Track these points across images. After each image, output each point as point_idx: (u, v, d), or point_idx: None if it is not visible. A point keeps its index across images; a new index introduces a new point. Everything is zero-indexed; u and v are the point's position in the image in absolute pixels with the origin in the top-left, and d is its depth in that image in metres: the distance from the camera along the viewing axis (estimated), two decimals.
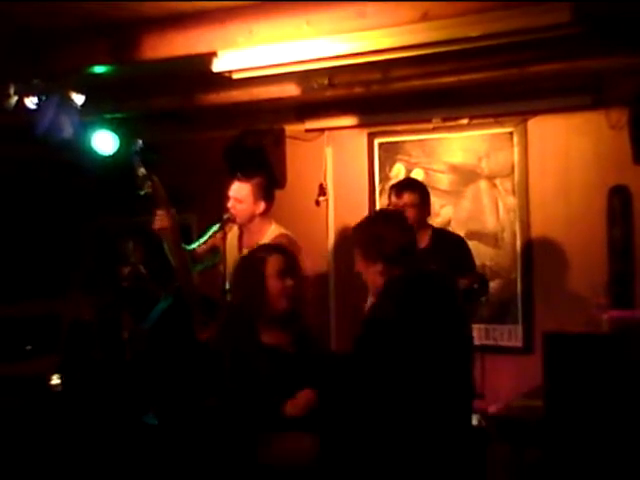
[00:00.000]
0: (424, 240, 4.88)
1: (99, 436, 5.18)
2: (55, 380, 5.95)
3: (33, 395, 5.81)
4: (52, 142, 5.11)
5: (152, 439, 4.75)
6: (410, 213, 4.78)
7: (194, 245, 5.03)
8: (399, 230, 3.26)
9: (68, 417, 5.48)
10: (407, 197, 4.83)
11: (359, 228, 3.36)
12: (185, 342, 4.62)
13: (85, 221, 7.49)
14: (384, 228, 3.24)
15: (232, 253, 4.81)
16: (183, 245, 4.86)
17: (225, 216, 4.78)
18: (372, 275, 3.25)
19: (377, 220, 3.45)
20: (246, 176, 4.84)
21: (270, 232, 4.81)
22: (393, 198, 4.90)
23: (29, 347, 6.68)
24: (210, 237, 4.95)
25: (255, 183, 4.81)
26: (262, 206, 4.80)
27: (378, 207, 6.31)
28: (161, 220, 4.66)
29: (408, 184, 5.00)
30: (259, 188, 4.80)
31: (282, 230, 4.86)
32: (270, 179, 5.08)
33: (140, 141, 4.86)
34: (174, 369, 4.64)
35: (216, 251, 4.87)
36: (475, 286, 4.46)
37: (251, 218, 4.81)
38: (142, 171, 4.77)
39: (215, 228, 4.83)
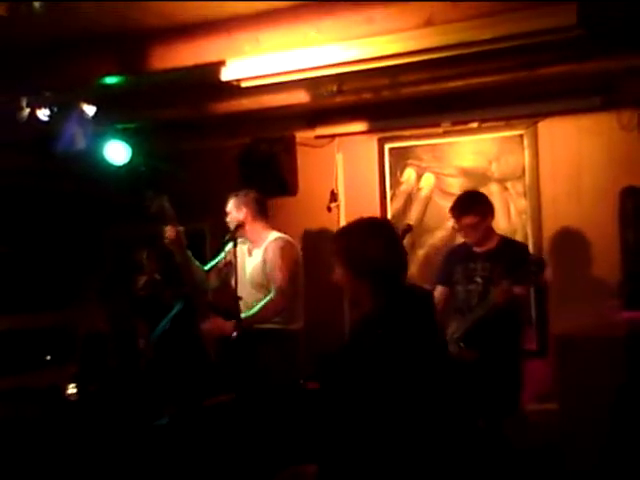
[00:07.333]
0: (491, 243, 4.99)
1: (114, 446, 5.20)
2: (71, 390, 5.97)
3: (49, 405, 5.84)
4: (67, 154, 5.18)
5: (165, 444, 4.80)
6: (472, 233, 4.95)
7: (212, 263, 5.29)
8: (385, 248, 2.90)
9: (84, 427, 5.50)
10: (465, 220, 4.92)
11: (343, 238, 3.00)
12: (193, 345, 4.77)
13: (100, 232, 7.52)
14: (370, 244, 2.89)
15: (244, 260, 5.10)
16: (197, 263, 5.21)
17: (235, 225, 5.06)
18: (356, 290, 2.98)
19: (363, 233, 2.98)
20: (235, 193, 5.23)
21: (270, 237, 5.08)
22: (454, 222, 5.04)
23: (49, 357, 6.72)
24: (226, 253, 5.23)
25: (237, 195, 5.18)
26: (244, 212, 5.10)
27: (389, 213, 6.34)
28: (169, 234, 5.03)
29: (463, 208, 5.01)
30: (239, 199, 5.15)
31: (280, 235, 5.11)
32: (258, 193, 5.27)
33: (148, 166, 5.08)
34: (184, 372, 4.78)
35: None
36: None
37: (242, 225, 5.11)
38: (150, 193, 5.13)
39: (230, 244, 5.05)
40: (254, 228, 5.11)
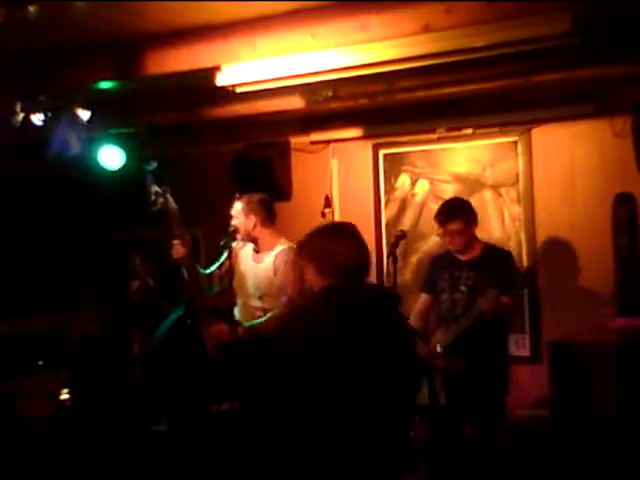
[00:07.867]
0: (475, 252, 5.01)
1: (108, 451, 5.19)
2: (64, 395, 5.96)
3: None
4: (60, 159, 5.17)
5: (162, 450, 4.79)
6: (458, 239, 4.94)
7: (213, 268, 5.15)
8: (352, 246, 3.11)
9: (77, 433, 5.49)
10: (451, 226, 4.92)
11: (312, 241, 3.19)
12: (197, 351, 4.74)
13: (93, 236, 7.52)
14: (337, 244, 3.09)
15: (248, 267, 5.01)
16: (199, 268, 5.05)
17: (231, 229, 4.96)
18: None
19: (329, 235, 3.20)
20: (241, 194, 5.08)
21: (279, 245, 4.95)
22: (439, 228, 5.03)
23: (41, 362, 6.70)
24: (227, 258, 5.07)
25: (246, 199, 5.02)
26: (253, 220, 4.96)
27: (383, 219, 6.35)
28: (177, 250, 4.87)
29: (449, 214, 5.00)
30: (248, 203, 4.99)
31: (289, 243, 4.96)
32: (265, 195, 5.15)
33: (155, 163, 4.98)
34: (186, 379, 4.75)
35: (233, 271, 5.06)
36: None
37: (247, 232, 4.99)
38: (155, 189, 4.95)
39: (228, 249, 4.99)
40: (263, 235, 4.98)
